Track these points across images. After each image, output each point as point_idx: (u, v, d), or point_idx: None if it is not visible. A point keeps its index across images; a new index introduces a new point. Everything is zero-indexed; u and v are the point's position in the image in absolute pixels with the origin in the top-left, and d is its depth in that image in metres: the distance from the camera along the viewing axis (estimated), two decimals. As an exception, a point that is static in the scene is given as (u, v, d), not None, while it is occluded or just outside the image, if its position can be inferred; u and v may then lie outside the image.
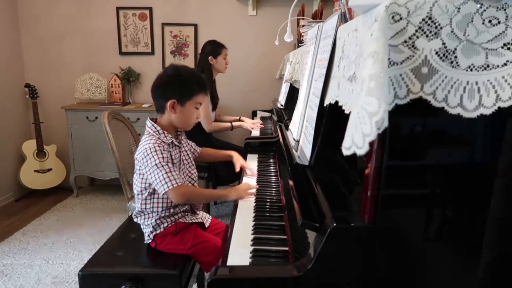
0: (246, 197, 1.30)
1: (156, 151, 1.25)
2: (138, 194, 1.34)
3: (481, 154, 0.65)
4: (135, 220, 1.40)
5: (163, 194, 1.28)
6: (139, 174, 1.32)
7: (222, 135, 3.31)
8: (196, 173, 1.47)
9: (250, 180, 1.49)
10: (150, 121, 1.34)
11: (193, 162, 1.47)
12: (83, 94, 3.41)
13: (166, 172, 1.24)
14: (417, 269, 0.68)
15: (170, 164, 1.26)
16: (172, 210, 1.36)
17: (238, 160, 1.62)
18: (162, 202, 1.33)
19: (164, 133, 1.32)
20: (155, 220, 1.34)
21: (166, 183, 1.23)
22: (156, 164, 1.23)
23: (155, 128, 1.32)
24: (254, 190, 1.34)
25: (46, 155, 3.32)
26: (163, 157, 1.25)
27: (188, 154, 1.45)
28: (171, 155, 1.31)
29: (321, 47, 1.14)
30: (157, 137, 1.30)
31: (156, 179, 1.24)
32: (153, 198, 1.33)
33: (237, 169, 1.59)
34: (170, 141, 1.33)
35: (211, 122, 2.59)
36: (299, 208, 0.87)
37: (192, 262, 1.42)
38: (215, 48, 2.60)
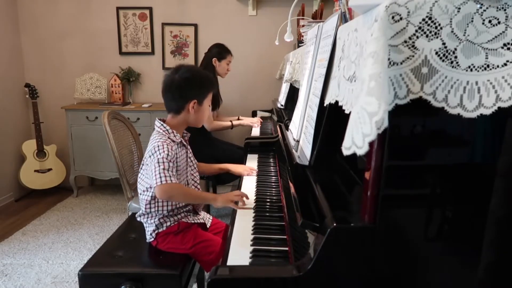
0: (232, 205, 1.25)
1: (163, 147, 1.25)
2: (144, 191, 1.34)
3: (481, 154, 0.64)
4: (138, 219, 1.40)
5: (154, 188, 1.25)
6: (146, 173, 1.31)
7: (223, 135, 3.31)
8: (198, 176, 1.48)
9: (249, 181, 1.48)
10: (159, 121, 1.36)
11: (195, 166, 1.48)
12: (83, 94, 3.40)
13: (164, 169, 1.23)
14: (417, 269, 0.68)
15: (171, 164, 1.26)
16: (176, 211, 1.36)
17: (238, 168, 1.63)
18: (167, 205, 1.33)
19: (173, 132, 1.34)
20: (159, 219, 1.35)
21: (160, 177, 1.21)
22: (158, 159, 1.24)
23: (165, 127, 1.33)
24: (243, 199, 1.27)
25: (46, 155, 3.32)
26: (167, 155, 1.25)
27: (190, 158, 1.45)
28: (177, 156, 1.32)
29: (321, 47, 1.14)
30: (167, 136, 1.31)
31: (152, 172, 1.23)
32: (157, 201, 1.33)
33: (245, 174, 1.60)
34: (179, 140, 1.35)
35: (212, 121, 2.60)
36: (299, 208, 0.87)
37: (192, 262, 1.42)
38: (221, 51, 2.64)
